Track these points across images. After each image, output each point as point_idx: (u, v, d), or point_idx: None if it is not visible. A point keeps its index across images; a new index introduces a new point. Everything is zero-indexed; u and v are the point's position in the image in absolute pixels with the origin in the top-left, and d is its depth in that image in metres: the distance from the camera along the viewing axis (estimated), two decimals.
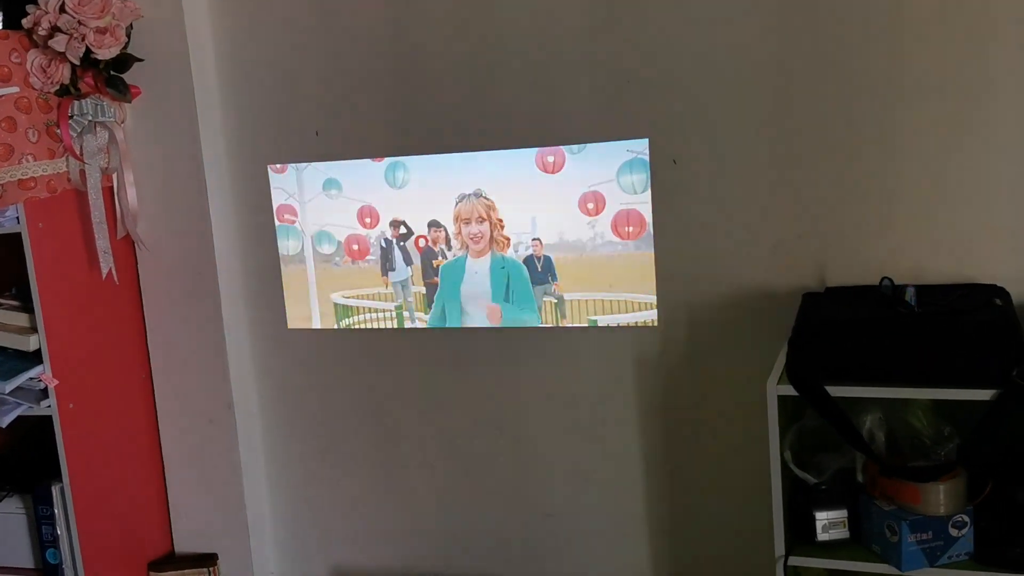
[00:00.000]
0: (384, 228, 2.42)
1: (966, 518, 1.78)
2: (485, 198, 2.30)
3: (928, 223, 2.01)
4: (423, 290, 2.42)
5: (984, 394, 1.68)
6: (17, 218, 2.23)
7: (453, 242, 2.36)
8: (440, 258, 2.39)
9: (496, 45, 2.25)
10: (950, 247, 2.00)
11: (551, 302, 2.32)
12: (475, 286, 2.37)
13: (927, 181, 2.00)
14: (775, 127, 2.08)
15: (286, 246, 2.53)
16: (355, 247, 2.46)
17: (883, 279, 1.90)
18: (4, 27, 2.22)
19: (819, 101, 2.04)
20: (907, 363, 1.73)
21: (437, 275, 2.39)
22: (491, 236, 2.31)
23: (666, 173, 2.18)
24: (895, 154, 2.00)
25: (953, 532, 1.78)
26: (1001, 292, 1.91)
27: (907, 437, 1.87)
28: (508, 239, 2.30)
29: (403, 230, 2.40)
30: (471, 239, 2.33)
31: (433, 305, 2.41)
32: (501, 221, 2.30)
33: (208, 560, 2.65)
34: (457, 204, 2.34)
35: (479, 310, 2.38)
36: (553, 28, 2.20)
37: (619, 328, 2.28)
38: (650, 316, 2.25)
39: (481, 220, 2.31)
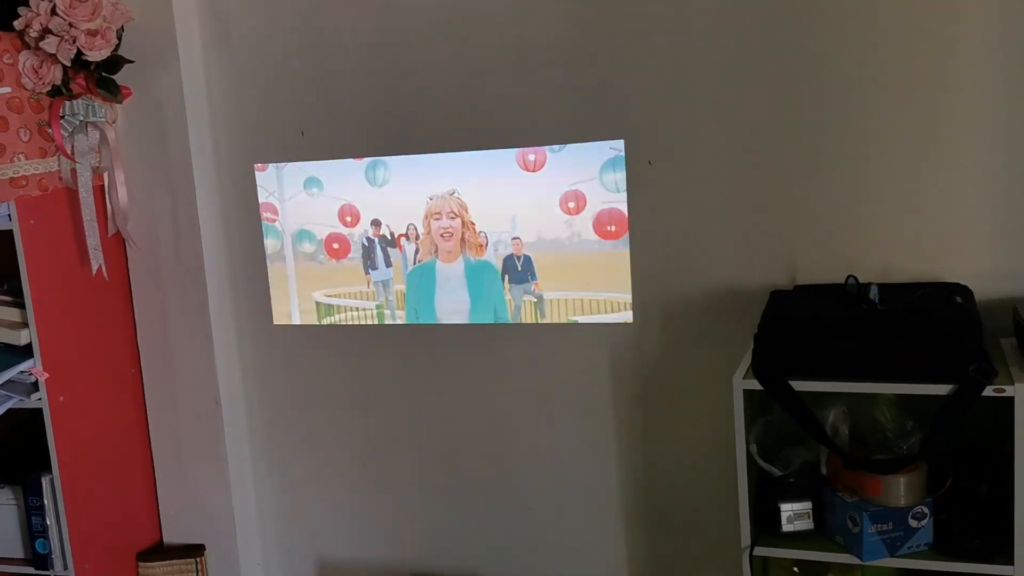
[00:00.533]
0: (366, 227, 2.47)
1: (926, 510, 1.83)
2: (458, 198, 2.35)
3: (895, 223, 2.06)
4: (404, 288, 2.47)
5: (941, 389, 1.73)
6: (9, 215, 2.28)
7: (420, 241, 2.39)
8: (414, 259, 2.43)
9: (477, 48, 2.30)
10: (916, 246, 2.06)
11: (531, 301, 2.37)
12: (450, 293, 2.41)
13: (894, 182, 2.05)
14: (747, 129, 2.13)
15: (266, 244, 2.58)
16: (335, 246, 2.51)
17: (848, 277, 1.96)
18: None
19: (790, 104, 2.09)
20: (867, 359, 1.78)
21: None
22: (463, 236, 2.36)
23: (642, 173, 2.23)
24: (863, 156, 2.06)
25: (913, 523, 1.83)
26: (964, 290, 1.96)
27: (872, 431, 1.92)
28: (482, 244, 2.34)
29: (384, 230, 2.44)
30: (441, 235, 2.37)
31: (406, 312, 2.46)
32: (473, 224, 2.34)
33: (195, 551, 2.70)
34: (429, 203, 2.39)
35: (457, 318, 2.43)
36: (532, 33, 2.25)
37: (596, 325, 2.34)
38: (626, 316, 2.30)
39: (453, 216, 2.36)
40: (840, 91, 2.05)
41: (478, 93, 2.33)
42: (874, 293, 1.87)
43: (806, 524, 1.93)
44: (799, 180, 2.11)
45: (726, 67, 2.13)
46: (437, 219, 2.39)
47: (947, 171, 2.02)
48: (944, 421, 1.75)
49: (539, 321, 2.38)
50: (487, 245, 2.36)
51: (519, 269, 2.36)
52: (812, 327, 1.81)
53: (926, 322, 1.76)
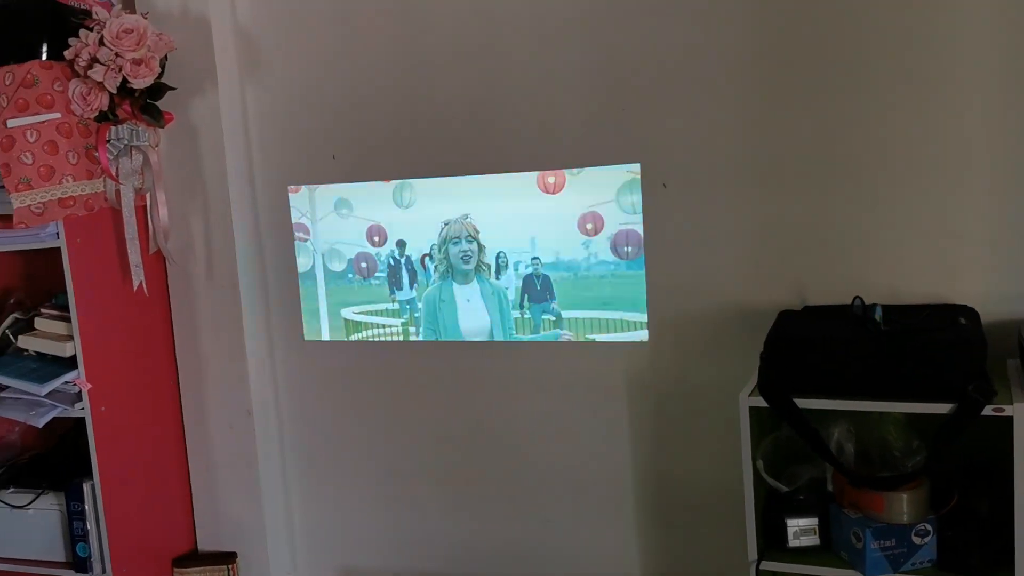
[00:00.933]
0: (392, 247, 2.57)
1: (929, 527, 1.86)
2: (472, 222, 2.44)
3: (903, 246, 2.11)
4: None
5: (942, 408, 1.77)
6: (57, 234, 2.41)
7: (434, 264, 2.49)
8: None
9: (499, 76, 2.40)
10: (924, 269, 2.10)
11: (550, 320, 2.45)
12: (472, 313, 2.51)
13: (903, 205, 2.10)
14: (759, 153, 2.20)
15: (299, 263, 2.69)
16: (363, 265, 2.61)
17: (855, 299, 2.00)
18: (48, 58, 2.40)
19: (801, 129, 2.16)
20: (869, 378, 1.83)
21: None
22: (479, 259, 2.45)
23: (657, 196, 2.30)
24: (873, 179, 2.11)
25: (916, 540, 1.87)
26: (969, 312, 1.99)
27: (878, 450, 1.96)
28: (489, 265, 2.44)
29: (408, 251, 2.54)
30: (461, 257, 2.47)
31: (422, 333, 2.55)
32: (483, 247, 2.44)
33: (228, 558, 2.79)
34: (443, 227, 2.49)
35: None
36: (551, 60, 2.34)
37: (612, 344, 2.40)
38: (642, 335, 2.36)
39: (471, 239, 2.45)
40: (850, 117, 2.11)
41: (499, 119, 2.42)
42: (879, 314, 1.92)
43: (812, 540, 1.97)
44: (809, 203, 2.17)
45: (739, 94, 2.20)
46: (456, 242, 2.48)
47: (955, 194, 2.06)
48: (944, 439, 1.79)
49: (558, 339, 2.45)
50: (508, 266, 2.44)
51: (538, 288, 2.44)
52: (815, 346, 1.87)
53: (927, 342, 1.80)
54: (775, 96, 2.17)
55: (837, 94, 2.11)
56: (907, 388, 1.81)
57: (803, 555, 1.96)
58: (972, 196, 2.05)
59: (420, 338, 2.56)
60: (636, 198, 2.32)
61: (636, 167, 2.31)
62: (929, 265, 2.10)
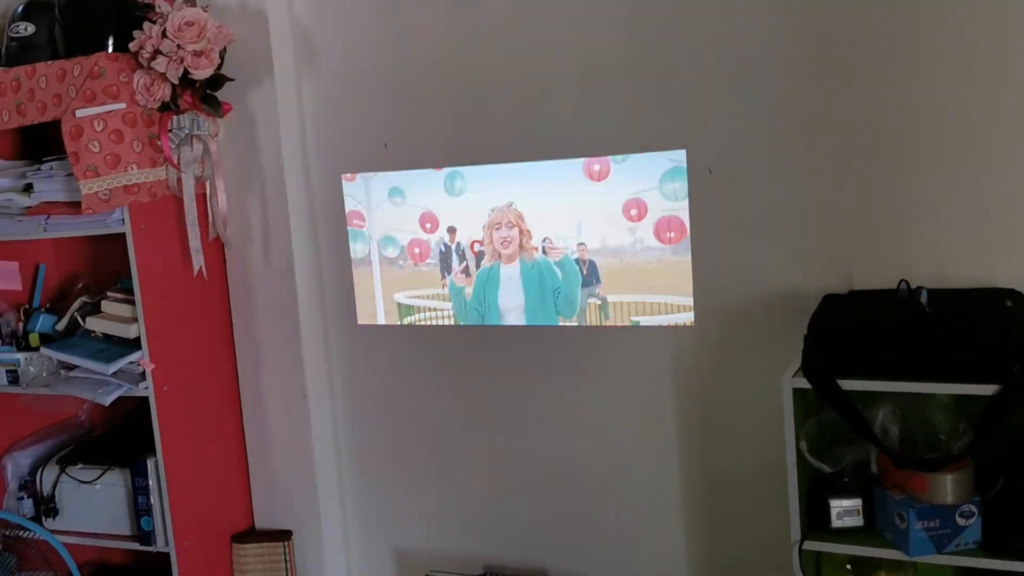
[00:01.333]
0: (443, 233, 2.63)
1: (973, 508, 1.87)
2: (516, 209, 2.51)
3: (950, 229, 2.11)
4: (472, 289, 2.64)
5: (986, 389, 1.78)
6: (122, 220, 2.51)
7: (484, 249, 2.56)
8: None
9: (546, 65, 2.44)
10: (971, 252, 2.10)
11: (595, 304, 2.49)
12: (509, 292, 2.58)
13: (949, 189, 2.10)
14: (805, 138, 2.21)
15: (355, 249, 2.76)
16: (417, 251, 2.68)
17: (900, 282, 2.01)
18: (114, 50, 2.50)
19: (847, 114, 2.16)
20: (913, 360, 1.84)
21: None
22: (520, 242, 2.51)
23: (703, 182, 2.33)
24: (919, 163, 2.12)
25: (960, 521, 1.87)
26: (1016, 295, 1.99)
27: (924, 432, 1.97)
28: (535, 247, 2.51)
29: (459, 236, 2.60)
30: (501, 243, 2.52)
31: (468, 306, 2.62)
32: (529, 232, 2.50)
33: (284, 536, 2.88)
34: (490, 214, 2.55)
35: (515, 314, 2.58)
36: (597, 48, 2.38)
37: (658, 328, 2.43)
38: (687, 317, 2.39)
39: (511, 226, 2.51)
40: (896, 101, 2.12)
41: (547, 107, 2.46)
42: (924, 297, 1.93)
43: (856, 521, 1.99)
44: (855, 188, 2.18)
45: (784, 79, 2.21)
46: (498, 229, 2.54)
47: (1002, 178, 2.06)
48: (990, 421, 1.80)
49: (603, 323, 2.49)
50: (552, 249, 2.49)
51: (584, 273, 2.48)
52: (859, 328, 1.88)
53: (973, 324, 1.81)
54: (820, 81, 2.18)
55: (882, 78, 2.12)
56: (952, 370, 1.81)
57: (846, 535, 1.98)
58: (1019, 179, 2.04)
59: (469, 302, 2.62)
60: (678, 185, 2.35)
61: (681, 154, 2.33)
62: (975, 249, 2.09)
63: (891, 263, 2.15)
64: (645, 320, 2.44)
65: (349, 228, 2.76)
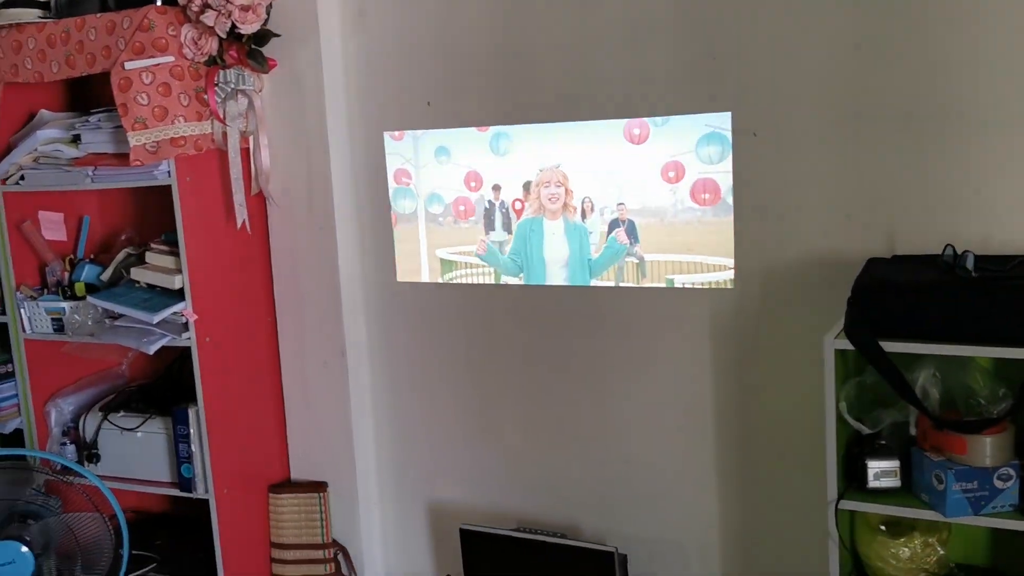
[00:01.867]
0: (486, 191, 2.65)
1: (1012, 471, 1.88)
2: (562, 170, 2.54)
3: (996, 194, 2.10)
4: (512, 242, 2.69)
5: None
6: (168, 172, 2.55)
7: (529, 202, 2.61)
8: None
9: (591, 25, 2.44)
10: (1019, 218, 2.09)
11: (633, 263, 2.51)
12: (552, 244, 2.62)
13: (996, 152, 2.09)
14: (850, 101, 2.20)
15: (403, 205, 2.79)
16: (462, 208, 2.70)
17: (946, 246, 2.01)
18: (163, 3, 2.52)
19: (892, 77, 2.16)
20: (956, 323, 1.84)
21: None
22: (564, 201, 2.55)
23: (747, 144, 2.33)
24: (967, 126, 2.10)
25: (999, 484, 1.88)
26: None
27: (964, 396, 1.98)
28: (575, 207, 2.55)
29: (503, 195, 2.62)
30: (549, 199, 2.56)
31: (506, 260, 2.66)
32: (572, 191, 2.54)
33: (319, 487, 2.93)
34: (539, 173, 2.58)
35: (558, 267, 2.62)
36: (643, 8, 2.38)
37: (697, 289, 2.45)
38: (726, 277, 2.41)
39: (559, 184, 2.54)
40: (943, 63, 2.11)
41: (591, 67, 2.46)
42: (970, 262, 1.93)
43: (893, 482, 2.00)
44: (900, 150, 2.17)
45: (830, 40, 2.20)
46: (547, 187, 2.56)
47: None
48: None
49: (640, 282, 2.51)
50: (592, 210, 2.52)
51: (623, 242, 2.50)
52: (902, 290, 1.88)
53: (1016, 289, 1.81)
54: (867, 44, 2.17)
55: (930, 41, 2.11)
56: (994, 334, 1.82)
57: (883, 496, 1.99)
58: None
59: (508, 257, 2.65)
60: (713, 149, 2.36)
61: (715, 118, 2.34)
62: (1021, 214, 2.09)
63: (937, 228, 2.15)
64: (680, 278, 2.46)
65: (398, 186, 2.78)
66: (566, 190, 2.55)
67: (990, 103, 2.08)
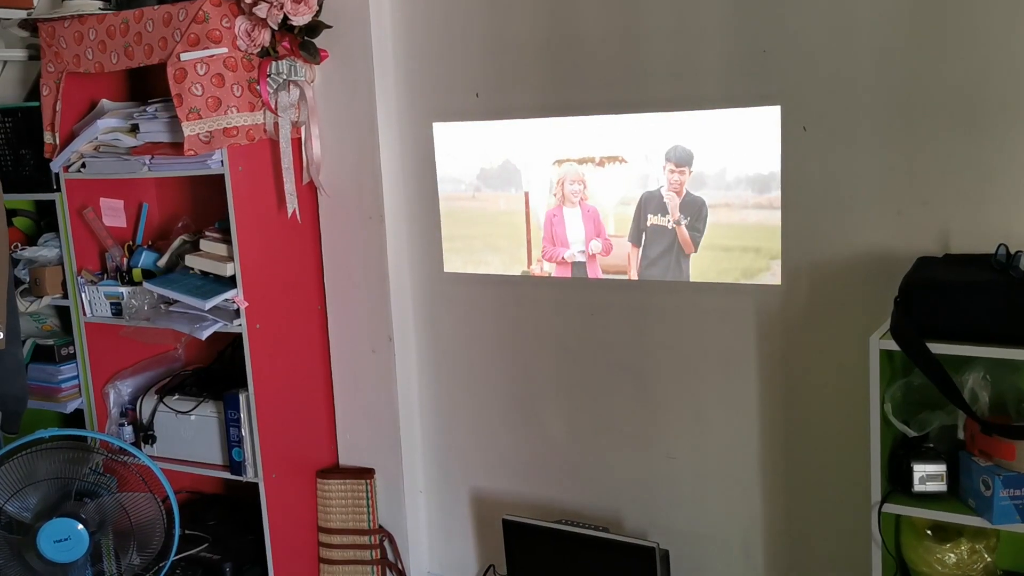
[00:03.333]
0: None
1: None
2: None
3: None
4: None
5: None
6: (221, 162, 2.60)
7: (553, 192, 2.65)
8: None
9: (640, 17, 2.42)
10: None
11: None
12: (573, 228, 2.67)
13: None
14: (902, 95, 2.15)
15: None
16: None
17: (999, 246, 1.96)
18: None
19: (945, 72, 2.10)
20: (1008, 325, 1.79)
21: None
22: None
23: (797, 139, 2.29)
24: (1019, 125, 2.04)
25: None
26: None
27: (1014, 400, 1.93)
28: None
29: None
30: (571, 191, 2.62)
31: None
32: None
33: (366, 473, 2.97)
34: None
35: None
36: (694, 1, 2.35)
37: (743, 285, 2.42)
38: (775, 275, 2.37)
39: (578, 182, 2.60)
40: (998, 60, 2.04)
41: (641, 60, 2.44)
42: (1023, 262, 1.87)
43: (939, 486, 1.96)
44: (954, 147, 2.12)
45: (882, 35, 2.15)
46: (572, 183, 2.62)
47: None
48: None
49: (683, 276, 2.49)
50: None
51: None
52: (952, 291, 1.84)
53: None
54: (921, 39, 2.11)
55: (984, 36, 2.04)
56: None
57: (928, 500, 1.95)
58: None
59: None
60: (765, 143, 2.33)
61: (774, 111, 2.30)
62: None
63: (991, 227, 2.09)
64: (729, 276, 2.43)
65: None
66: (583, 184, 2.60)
67: None
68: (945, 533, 2.05)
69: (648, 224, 2.52)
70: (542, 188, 2.65)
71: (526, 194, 2.67)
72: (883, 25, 2.15)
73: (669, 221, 2.48)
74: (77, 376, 3.01)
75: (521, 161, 2.66)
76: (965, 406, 1.87)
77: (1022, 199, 2.06)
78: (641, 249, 2.55)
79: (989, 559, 2.03)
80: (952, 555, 2.03)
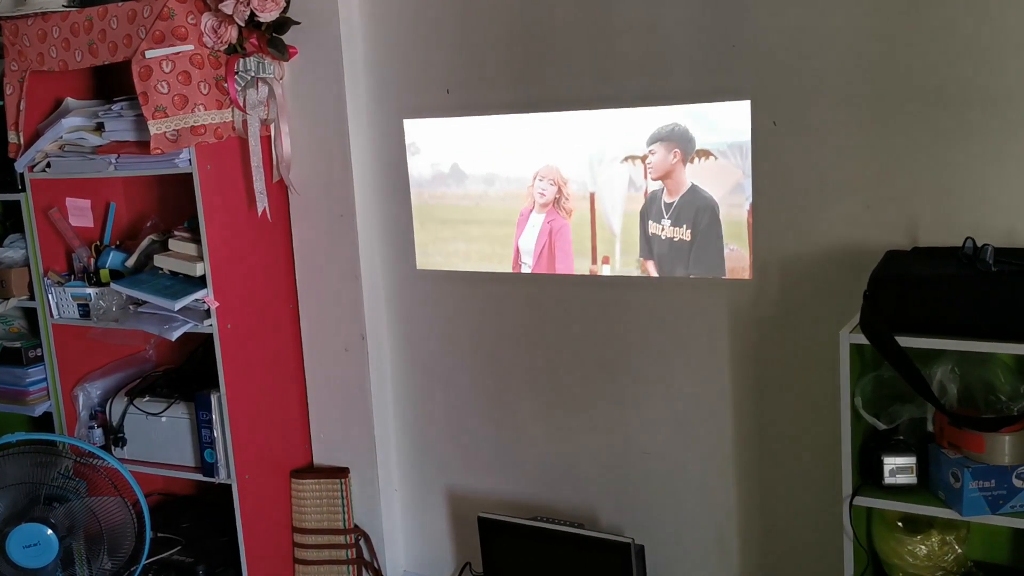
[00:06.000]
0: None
1: None
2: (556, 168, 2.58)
3: (1019, 186, 2.05)
4: None
5: None
6: (189, 160, 2.56)
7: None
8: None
9: (610, 13, 2.41)
10: None
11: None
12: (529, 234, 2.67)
13: (1019, 144, 2.03)
14: (871, 92, 2.16)
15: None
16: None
17: (966, 239, 1.97)
18: None
19: (914, 67, 2.11)
20: (975, 318, 1.81)
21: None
22: (556, 200, 2.58)
23: (766, 134, 2.29)
24: (990, 118, 2.05)
25: (1017, 483, 1.85)
26: None
27: (982, 392, 1.94)
28: (571, 210, 2.58)
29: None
30: (540, 192, 2.60)
31: None
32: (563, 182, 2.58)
33: (341, 473, 2.95)
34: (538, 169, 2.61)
35: None
36: None
37: (714, 280, 2.42)
38: (745, 271, 2.37)
39: (552, 183, 2.57)
40: (966, 55, 2.05)
41: (610, 56, 2.44)
42: (989, 255, 1.88)
43: (909, 478, 1.97)
44: (922, 143, 2.13)
45: (851, 31, 2.16)
46: (541, 180, 2.60)
47: None
48: None
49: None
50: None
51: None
52: (920, 284, 1.85)
53: None
54: (889, 34, 2.12)
55: (953, 31, 2.05)
56: (1015, 330, 1.78)
57: (899, 493, 1.97)
58: None
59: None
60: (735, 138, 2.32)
61: (744, 105, 2.30)
62: None
63: (959, 220, 2.10)
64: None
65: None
66: (559, 188, 2.58)
67: (1015, 92, 2.02)
68: (916, 525, 2.07)
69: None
70: (518, 183, 2.64)
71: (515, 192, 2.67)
72: (852, 21, 2.15)
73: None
74: (45, 379, 2.97)
75: (492, 157, 2.65)
76: (934, 399, 1.88)
77: (988, 193, 2.08)
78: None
79: (960, 550, 2.05)
80: (923, 547, 2.04)
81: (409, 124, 2.75)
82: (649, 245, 2.48)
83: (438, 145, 2.72)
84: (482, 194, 2.69)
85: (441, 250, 2.79)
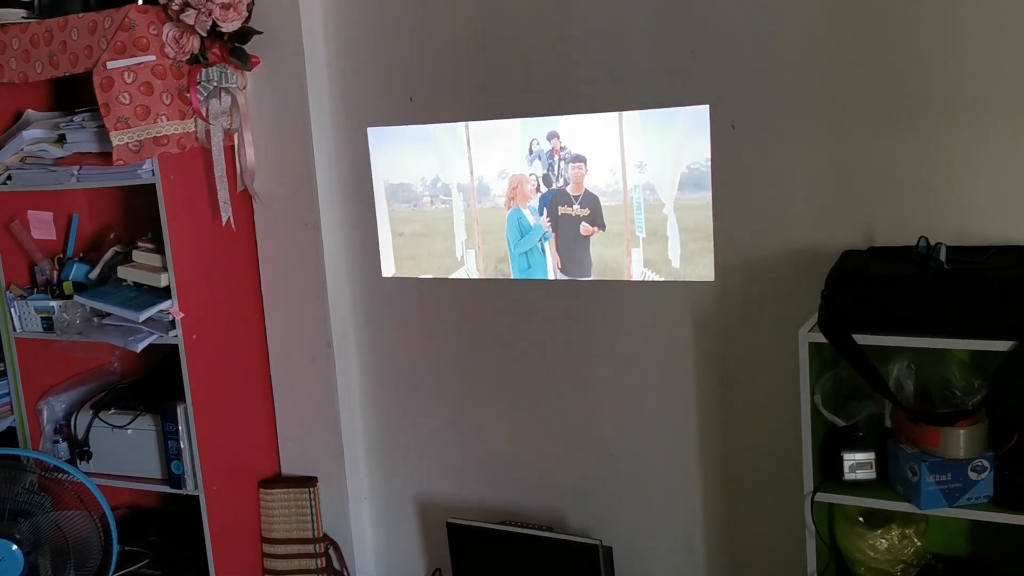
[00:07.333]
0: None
1: (986, 463, 1.89)
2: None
3: (972, 186, 2.10)
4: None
5: (1002, 345, 1.79)
6: (152, 171, 2.55)
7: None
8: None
9: (570, 20, 2.44)
10: (993, 210, 2.09)
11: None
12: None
13: (972, 145, 2.09)
14: (828, 95, 2.20)
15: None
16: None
17: (920, 239, 2.01)
18: (144, 2, 2.52)
19: (868, 72, 2.15)
20: (930, 315, 1.85)
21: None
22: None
23: (725, 138, 2.33)
24: (943, 119, 2.10)
25: (972, 475, 1.89)
26: None
27: (938, 388, 1.98)
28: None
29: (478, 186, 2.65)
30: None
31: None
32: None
33: (309, 482, 2.95)
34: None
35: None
36: (623, 3, 2.37)
37: (677, 283, 2.45)
38: (708, 273, 2.41)
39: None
40: (919, 56, 2.10)
41: (570, 62, 2.46)
42: (943, 253, 1.93)
43: (868, 474, 2.01)
44: (878, 145, 2.17)
45: (806, 36, 2.20)
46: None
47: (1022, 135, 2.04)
48: (1004, 377, 1.81)
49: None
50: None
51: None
52: (875, 283, 1.89)
53: (987, 280, 1.81)
54: (844, 38, 2.16)
55: (906, 34, 2.10)
56: (968, 326, 1.82)
57: (859, 488, 2.00)
58: None
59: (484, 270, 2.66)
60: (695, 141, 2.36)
61: (703, 109, 2.34)
62: (998, 206, 2.08)
63: (914, 220, 2.15)
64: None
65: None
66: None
67: (966, 96, 2.07)
68: (876, 519, 2.11)
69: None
70: (481, 190, 2.66)
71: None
72: (807, 26, 2.20)
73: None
74: (8, 393, 2.94)
75: (455, 164, 2.67)
76: (891, 395, 1.92)
77: (941, 193, 2.13)
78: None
79: (919, 543, 2.09)
80: (883, 541, 2.08)
81: (373, 132, 2.76)
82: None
83: (401, 152, 2.73)
84: (446, 201, 2.70)
85: (406, 257, 2.80)
